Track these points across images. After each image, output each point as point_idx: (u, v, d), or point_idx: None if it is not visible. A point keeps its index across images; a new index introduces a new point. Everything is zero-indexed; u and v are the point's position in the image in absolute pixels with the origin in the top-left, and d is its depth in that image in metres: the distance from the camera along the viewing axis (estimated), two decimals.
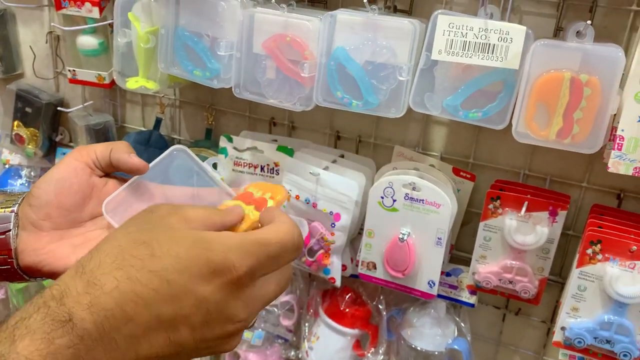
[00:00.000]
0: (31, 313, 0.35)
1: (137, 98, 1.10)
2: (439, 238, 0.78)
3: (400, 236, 0.80)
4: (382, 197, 0.80)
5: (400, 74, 0.72)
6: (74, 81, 1.05)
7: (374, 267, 0.84)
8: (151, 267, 0.36)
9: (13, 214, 0.48)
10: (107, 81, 1.03)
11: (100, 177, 0.52)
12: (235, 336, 0.40)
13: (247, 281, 0.38)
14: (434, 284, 0.81)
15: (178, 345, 0.37)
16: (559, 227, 0.76)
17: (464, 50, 0.69)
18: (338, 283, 0.87)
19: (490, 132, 0.80)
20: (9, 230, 0.48)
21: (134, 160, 0.50)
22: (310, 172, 0.83)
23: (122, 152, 0.51)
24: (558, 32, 0.75)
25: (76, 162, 0.51)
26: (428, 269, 0.80)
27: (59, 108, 1.09)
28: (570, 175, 0.80)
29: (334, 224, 0.84)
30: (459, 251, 0.89)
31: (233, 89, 0.82)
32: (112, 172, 0.53)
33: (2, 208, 0.48)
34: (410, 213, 0.79)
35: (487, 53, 0.68)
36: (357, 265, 0.86)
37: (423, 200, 0.78)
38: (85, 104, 1.08)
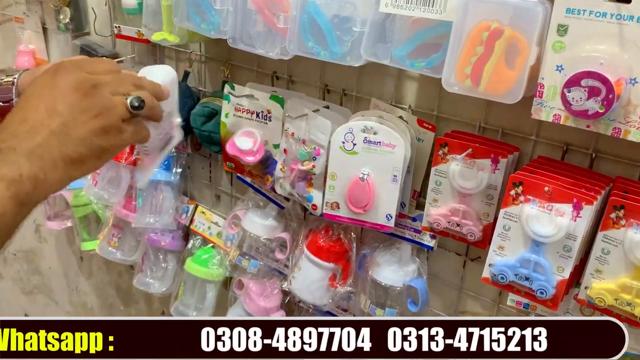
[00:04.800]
0: None
1: (172, 54, 1.26)
2: (394, 175, 0.87)
3: (361, 176, 0.89)
4: (344, 142, 0.89)
5: (355, 26, 0.82)
6: (119, 36, 1.23)
7: (338, 206, 0.93)
8: None
9: (13, 86, 0.64)
10: (145, 37, 1.19)
11: None
12: (99, 88, 0.57)
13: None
14: (391, 217, 0.89)
15: (60, 116, 0.55)
16: (501, 174, 0.81)
17: (407, 4, 0.76)
18: (319, 210, 0.97)
19: None
20: (12, 99, 0.64)
21: None
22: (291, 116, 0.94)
23: None
24: None
25: None
26: (385, 203, 0.88)
27: (105, 58, 1.27)
28: (521, 129, 0.84)
29: (315, 157, 0.95)
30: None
31: (228, 40, 0.94)
32: None
33: (4, 82, 0.65)
34: (369, 155, 0.88)
35: (428, 6, 0.75)
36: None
37: (380, 142, 0.86)
38: (128, 57, 1.26)
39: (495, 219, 0.84)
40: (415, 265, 0.97)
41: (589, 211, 0.71)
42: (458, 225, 0.86)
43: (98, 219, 1.50)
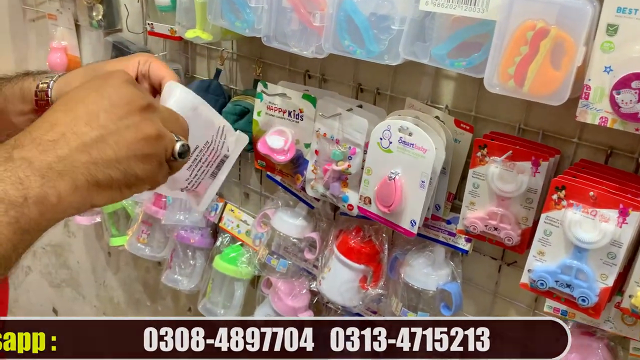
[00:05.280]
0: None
1: (204, 51, 1.26)
2: (422, 181, 0.85)
3: (390, 175, 0.88)
4: (381, 139, 0.88)
5: (394, 24, 0.80)
6: (151, 33, 1.23)
7: (370, 202, 0.92)
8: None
9: (49, 88, 0.64)
10: (177, 34, 1.19)
11: None
12: (145, 115, 0.49)
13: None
14: (415, 223, 0.87)
15: (101, 127, 0.47)
16: (541, 178, 0.79)
17: (448, 2, 0.74)
18: (355, 211, 0.96)
19: None
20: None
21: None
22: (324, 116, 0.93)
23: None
24: None
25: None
26: (411, 209, 0.87)
27: None
28: (563, 131, 0.82)
29: (350, 157, 0.94)
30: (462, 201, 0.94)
31: (262, 38, 0.94)
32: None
33: (42, 83, 0.65)
34: (402, 155, 0.86)
35: (470, 5, 0.73)
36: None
37: (413, 144, 0.85)
38: (160, 54, 1.26)
39: (534, 223, 0.82)
40: (449, 268, 0.95)
41: (636, 217, 0.68)
42: (495, 229, 0.84)
43: (127, 215, 1.51)
